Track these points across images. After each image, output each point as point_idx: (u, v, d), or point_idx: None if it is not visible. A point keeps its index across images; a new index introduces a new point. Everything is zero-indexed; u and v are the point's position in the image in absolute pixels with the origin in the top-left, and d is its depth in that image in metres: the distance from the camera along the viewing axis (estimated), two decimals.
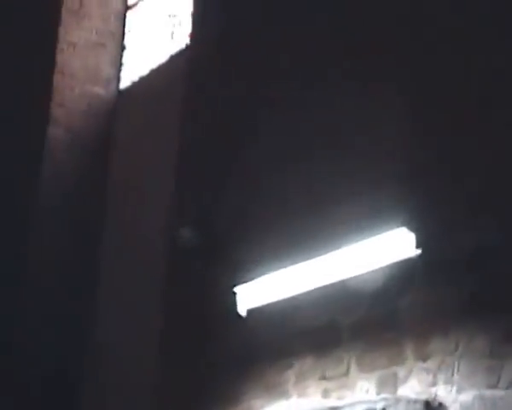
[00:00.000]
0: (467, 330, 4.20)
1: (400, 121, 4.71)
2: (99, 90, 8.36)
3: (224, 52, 6.43)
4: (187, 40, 7.63)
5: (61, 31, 8.40)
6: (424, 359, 4.31)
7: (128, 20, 8.80)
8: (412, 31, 4.85)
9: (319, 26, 5.53)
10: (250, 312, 5.03)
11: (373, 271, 4.56)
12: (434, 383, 4.22)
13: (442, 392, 4.16)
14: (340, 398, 4.50)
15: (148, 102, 7.67)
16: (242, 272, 5.10)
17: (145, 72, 8.06)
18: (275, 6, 6.01)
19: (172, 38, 7.98)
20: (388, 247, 4.45)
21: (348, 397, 4.47)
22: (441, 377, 4.21)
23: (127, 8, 8.89)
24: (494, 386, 4.01)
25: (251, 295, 5.00)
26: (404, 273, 4.48)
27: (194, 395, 5.29)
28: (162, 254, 6.09)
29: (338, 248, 4.65)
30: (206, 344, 5.35)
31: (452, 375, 4.18)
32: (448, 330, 4.27)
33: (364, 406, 4.22)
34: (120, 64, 8.57)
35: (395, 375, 4.40)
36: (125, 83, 8.38)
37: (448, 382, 4.18)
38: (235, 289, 5.07)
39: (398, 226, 4.40)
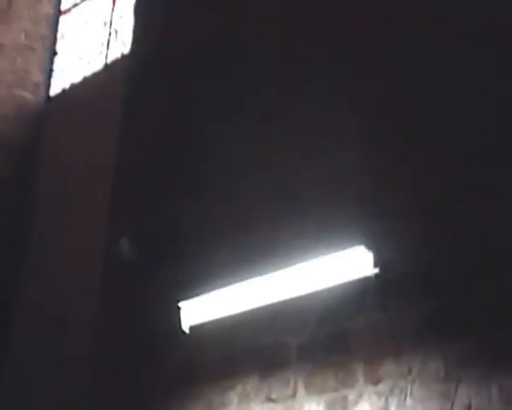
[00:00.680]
0: (420, 354, 4.14)
1: (359, 140, 4.64)
2: (27, 94, 8.08)
3: (164, 62, 6.30)
4: (123, 49, 7.48)
5: None
6: (376, 382, 4.23)
7: (60, 26, 8.56)
8: (366, 55, 4.81)
9: (266, 44, 5.45)
10: (194, 328, 4.84)
11: (324, 289, 4.44)
12: (386, 408, 4.14)
13: None
14: None
15: (81, 111, 7.44)
16: (187, 287, 4.92)
17: (78, 79, 7.84)
18: (217, 16, 5.93)
19: (108, 46, 7.79)
20: (345, 265, 4.34)
21: None
22: (393, 401, 4.13)
23: (60, 12, 8.65)
24: None
25: (195, 311, 4.82)
26: (356, 293, 4.39)
27: None
28: (98, 267, 5.84)
29: (290, 265, 4.51)
30: (145, 361, 5.12)
31: (405, 399, 4.10)
32: (401, 353, 4.19)
33: None
34: (51, 70, 8.32)
35: (345, 398, 4.29)
36: (55, 89, 8.13)
37: (400, 406, 4.10)
38: (179, 305, 4.86)
39: (356, 245, 4.29)
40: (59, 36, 8.49)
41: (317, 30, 5.15)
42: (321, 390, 4.39)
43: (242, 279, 4.71)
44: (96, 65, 7.73)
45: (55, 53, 8.42)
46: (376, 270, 4.28)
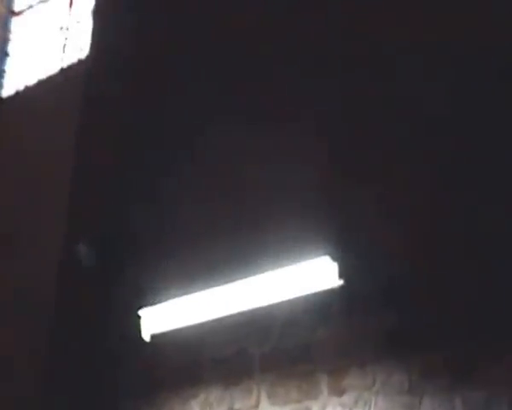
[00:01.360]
0: (384, 366, 4.17)
1: (327, 153, 4.67)
2: None
3: (122, 67, 6.24)
4: (80, 54, 7.40)
5: None
6: (340, 393, 4.24)
7: (13, 27, 8.42)
8: (328, 71, 4.85)
9: (228, 54, 5.47)
10: (155, 337, 4.78)
11: (289, 300, 4.45)
12: None
13: None
14: None
15: (36, 113, 7.30)
16: (148, 294, 4.86)
17: (32, 82, 7.71)
18: (174, 21, 5.91)
19: (64, 50, 7.69)
20: (309, 276, 4.35)
21: None
22: None
23: (12, 14, 8.50)
24: None
25: (157, 319, 4.76)
26: (321, 305, 4.40)
27: None
28: (54, 273, 5.73)
29: (254, 274, 4.50)
30: (105, 370, 5.04)
31: None
32: (365, 364, 4.22)
33: None
34: (2, 71, 8.17)
35: (308, 409, 4.29)
36: (8, 91, 7.98)
37: None
38: (140, 313, 4.80)
39: (321, 255, 4.31)
40: (11, 37, 8.33)
41: (277, 45, 5.17)
42: (284, 401, 4.39)
43: (205, 288, 4.68)
44: (52, 68, 7.61)
45: (6, 54, 8.27)
46: (341, 281, 4.30)
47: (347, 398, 4.21)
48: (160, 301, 4.80)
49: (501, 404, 3.81)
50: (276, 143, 4.90)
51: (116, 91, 6.16)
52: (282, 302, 4.47)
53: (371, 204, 4.44)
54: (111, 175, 5.79)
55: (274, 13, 5.30)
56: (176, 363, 4.79)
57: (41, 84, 7.57)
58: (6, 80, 8.14)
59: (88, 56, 6.83)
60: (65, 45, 7.71)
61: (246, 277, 4.53)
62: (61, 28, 7.86)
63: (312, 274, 4.34)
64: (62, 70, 7.48)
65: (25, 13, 8.49)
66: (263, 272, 4.49)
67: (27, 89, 7.72)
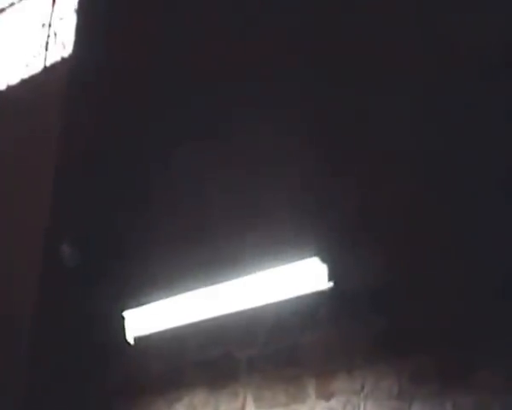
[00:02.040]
0: (373, 370, 4.11)
1: (315, 151, 4.60)
2: None
3: (106, 66, 6.17)
4: (63, 52, 7.30)
5: None
6: (327, 397, 4.17)
7: None
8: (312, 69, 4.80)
9: (212, 52, 5.40)
10: (139, 339, 4.68)
11: (277, 302, 4.37)
12: None
13: None
14: None
15: (18, 113, 7.20)
16: (132, 296, 4.77)
17: (15, 81, 7.60)
18: (161, 19, 5.85)
19: (47, 48, 7.59)
20: (298, 277, 4.27)
21: None
22: None
23: None
24: None
25: (141, 321, 4.67)
26: (309, 307, 4.33)
27: None
28: (37, 274, 5.62)
29: (241, 275, 4.42)
30: (89, 373, 4.93)
31: None
32: (354, 368, 4.16)
33: None
34: None
35: None
36: None
37: None
38: (124, 314, 4.70)
39: (310, 256, 4.23)
40: None
41: (263, 44, 5.11)
42: (271, 405, 4.31)
43: (191, 290, 4.59)
44: (35, 67, 7.51)
45: None
46: (331, 283, 4.23)
47: (335, 402, 4.14)
48: (144, 303, 4.71)
49: (492, 409, 3.76)
50: (265, 144, 4.83)
51: (100, 91, 6.09)
52: (270, 304, 4.39)
53: (362, 205, 4.38)
54: (95, 175, 5.70)
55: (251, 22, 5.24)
56: (160, 366, 4.70)
57: (24, 83, 7.47)
58: None
59: (71, 55, 6.75)
60: (48, 43, 7.61)
61: (232, 278, 4.44)
62: (43, 25, 7.76)
63: (301, 276, 4.26)
64: (45, 69, 7.38)
65: (6, 10, 8.39)
66: (250, 273, 4.40)
67: (10, 88, 7.62)
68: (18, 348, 5.66)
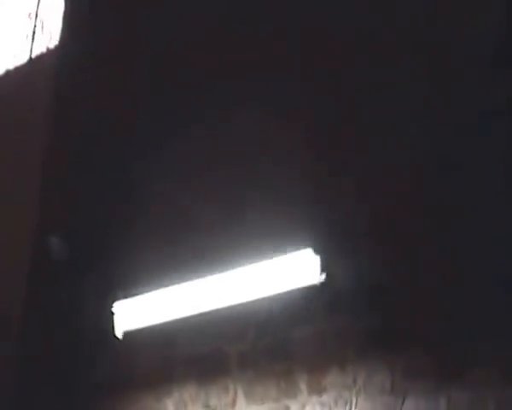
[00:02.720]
0: (366, 365, 4.07)
1: (307, 143, 4.56)
2: None
3: (94, 56, 6.10)
4: (50, 43, 7.21)
5: None
6: (319, 392, 4.13)
7: None
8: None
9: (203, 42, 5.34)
10: (128, 333, 4.62)
11: (269, 295, 4.31)
12: None
13: None
14: None
15: (3, 105, 7.10)
16: (122, 290, 4.70)
17: (0, 72, 7.51)
18: (151, 11, 5.79)
19: (33, 39, 7.49)
20: (290, 269, 4.21)
21: None
22: None
23: None
24: None
25: (130, 314, 4.61)
26: (301, 301, 4.29)
27: None
28: (24, 267, 5.54)
29: (232, 268, 4.36)
30: (77, 367, 4.87)
31: None
32: (346, 363, 4.12)
33: None
34: None
35: (287, 408, 4.19)
36: None
37: None
38: (113, 308, 4.63)
39: (303, 248, 4.18)
40: None
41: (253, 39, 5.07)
42: (262, 400, 4.27)
43: (180, 282, 4.52)
44: (20, 58, 7.42)
45: None
46: (323, 276, 4.18)
47: (327, 397, 4.10)
48: (133, 296, 4.65)
49: (487, 405, 3.73)
50: (260, 133, 4.78)
51: (88, 82, 6.01)
52: (261, 298, 4.33)
53: (357, 198, 4.34)
54: (82, 168, 5.63)
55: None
56: (149, 360, 4.65)
57: (9, 74, 7.38)
58: None
59: (58, 45, 6.67)
60: (34, 34, 7.52)
61: (223, 271, 4.38)
62: (30, 15, 7.66)
63: (293, 268, 4.21)
64: (31, 60, 7.29)
65: None
66: (241, 265, 4.35)
67: None
68: (5, 347, 5.59)
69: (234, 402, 4.33)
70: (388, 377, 4.00)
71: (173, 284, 4.56)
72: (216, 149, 4.93)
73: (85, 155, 5.65)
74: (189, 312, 4.52)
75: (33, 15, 7.63)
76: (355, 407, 4.02)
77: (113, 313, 4.63)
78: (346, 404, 4.05)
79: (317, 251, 4.18)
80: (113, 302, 4.66)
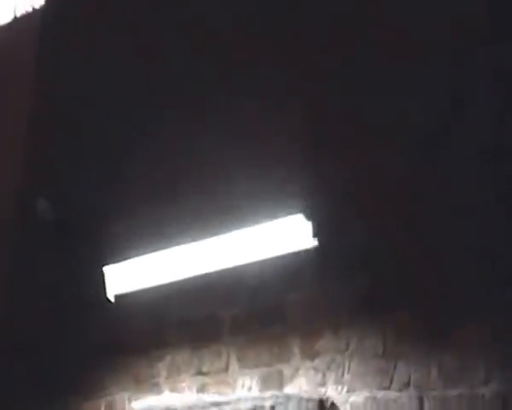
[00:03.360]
0: (358, 329, 4.10)
1: (304, 109, 4.53)
2: None
3: (79, 17, 6.00)
4: (34, 2, 7.11)
5: None
6: (312, 357, 4.16)
7: None
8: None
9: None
10: (119, 297, 4.60)
11: (260, 260, 4.31)
12: (323, 383, 4.08)
13: (332, 392, 4.01)
14: (219, 394, 4.21)
15: None
16: (113, 252, 4.67)
17: None
18: None
19: None
20: (282, 234, 4.20)
21: (229, 394, 4.19)
22: (331, 376, 4.07)
23: None
24: (387, 387, 3.92)
25: (121, 278, 4.58)
26: (294, 265, 4.29)
27: (49, 387, 4.77)
28: (10, 229, 5.50)
29: (224, 232, 4.34)
30: (67, 331, 4.85)
31: (343, 375, 4.05)
32: (339, 328, 4.14)
33: (251, 403, 3.97)
34: None
35: (280, 373, 4.21)
36: None
37: (338, 382, 4.05)
38: (104, 271, 4.60)
39: (294, 213, 4.16)
40: None
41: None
42: (255, 364, 4.29)
43: (172, 246, 4.50)
44: (4, 18, 7.29)
45: None
46: (315, 241, 4.17)
47: (320, 362, 4.13)
48: (124, 260, 4.61)
49: (478, 369, 3.77)
50: (250, 95, 4.73)
51: (74, 42, 5.92)
52: (253, 263, 4.32)
53: (349, 163, 4.32)
54: (69, 130, 5.56)
55: None
56: (141, 325, 4.64)
57: None
58: None
59: (44, 4, 6.57)
60: None
61: (215, 235, 4.36)
62: None
63: (285, 233, 4.21)
64: (15, 19, 7.18)
65: None
66: (233, 230, 4.33)
67: None
68: None
69: (227, 367, 4.35)
70: (380, 340, 4.03)
71: (165, 247, 4.53)
72: (208, 112, 4.88)
73: (72, 117, 5.57)
74: (180, 276, 4.50)
75: None
76: (348, 371, 4.05)
77: (104, 277, 4.60)
78: (338, 368, 4.08)
79: (308, 217, 4.17)
80: (104, 265, 4.62)
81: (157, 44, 5.36)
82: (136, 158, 5.08)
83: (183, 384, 4.40)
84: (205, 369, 4.40)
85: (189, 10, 5.26)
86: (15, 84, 6.48)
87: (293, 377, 4.16)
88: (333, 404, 3.90)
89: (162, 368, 4.49)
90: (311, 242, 4.17)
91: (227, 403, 4.03)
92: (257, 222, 4.27)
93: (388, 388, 3.93)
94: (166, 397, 4.30)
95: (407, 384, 3.89)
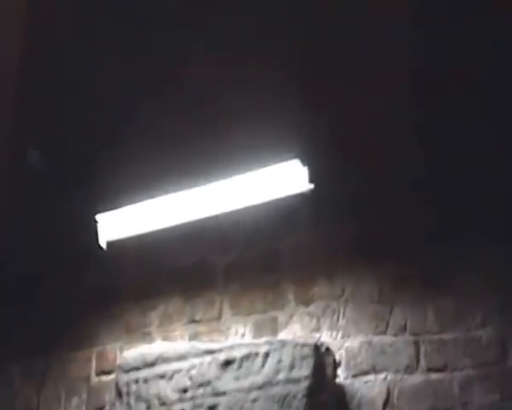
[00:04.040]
0: (354, 275, 4.05)
1: (299, 54, 4.44)
2: None
3: None
4: None
5: None
6: (307, 303, 4.10)
7: None
8: None
9: None
10: (112, 244, 4.50)
11: (253, 206, 4.21)
12: (318, 329, 4.02)
13: (327, 338, 3.95)
14: (212, 342, 4.14)
15: None
16: (105, 199, 4.55)
17: None
18: None
19: None
20: (277, 180, 4.11)
21: (222, 341, 4.12)
22: (326, 322, 4.02)
23: None
24: (382, 332, 3.87)
25: (114, 225, 4.46)
26: (287, 211, 4.22)
27: (40, 338, 4.69)
28: (3, 179, 5.39)
29: (218, 179, 4.24)
30: (58, 279, 4.76)
31: (337, 320, 3.99)
32: (334, 273, 4.08)
33: (245, 349, 3.89)
34: None
35: (274, 319, 4.15)
36: None
37: (333, 327, 4.00)
38: (97, 218, 4.49)
39: (290, 158, 4.08)
40: None
41: None
42: (248, 312, 4.22)
43: (165, 193, 4.38)
44: None
45: None
46: (311, 185, 4.08)
47: (315, 308, 4.07)
48: (117, 207, 4.49)
49: (474, 313, 3.72)
50: (245, 39, 4.63)
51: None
52: (248, 208, 4.23)
53: (344, 109, 4.24)
54: (61, 77, 5.43)
55: None
56: (134, 272, 4.56)
57: None
58: None
59: None
60: None
61: (210, 181, 4.27)
62: None
63: (281, 179, 4.11)
64: None
65: None
66: (228, 176, 4.24)
67: None
68: None
69: (220, 315, 4.28)
70: (376, 286, 3.98)
71: (158, 195, 4.42)
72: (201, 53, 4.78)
73: (65, 65, 5.43)
74: (174, 222, 4.40)
75: None
76: (343, 317, 4.00)
77: (96, 224, 4.50)
78: (333, 314, 4.02)
79: (304, 163, 4.08)
80: (97, 212, 4.52)
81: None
82: (131, 109, 4.97)
83: (176, 333, 4.32)
84: (198, 317, 4.33)
85: None
86: (3, 30, 6.35)
87: (287, 323, 4.10)
88: (328, 349, 3.83)
89: (155, 317, 4.41)
90: (306, 187, 4.08)
91: (220, 350, 3.95)
92: (253, 169, 4.18)
93: (384, 333, 3.88)
94: (159, 345, 4.22)
95: (403, 329, 3.85)
